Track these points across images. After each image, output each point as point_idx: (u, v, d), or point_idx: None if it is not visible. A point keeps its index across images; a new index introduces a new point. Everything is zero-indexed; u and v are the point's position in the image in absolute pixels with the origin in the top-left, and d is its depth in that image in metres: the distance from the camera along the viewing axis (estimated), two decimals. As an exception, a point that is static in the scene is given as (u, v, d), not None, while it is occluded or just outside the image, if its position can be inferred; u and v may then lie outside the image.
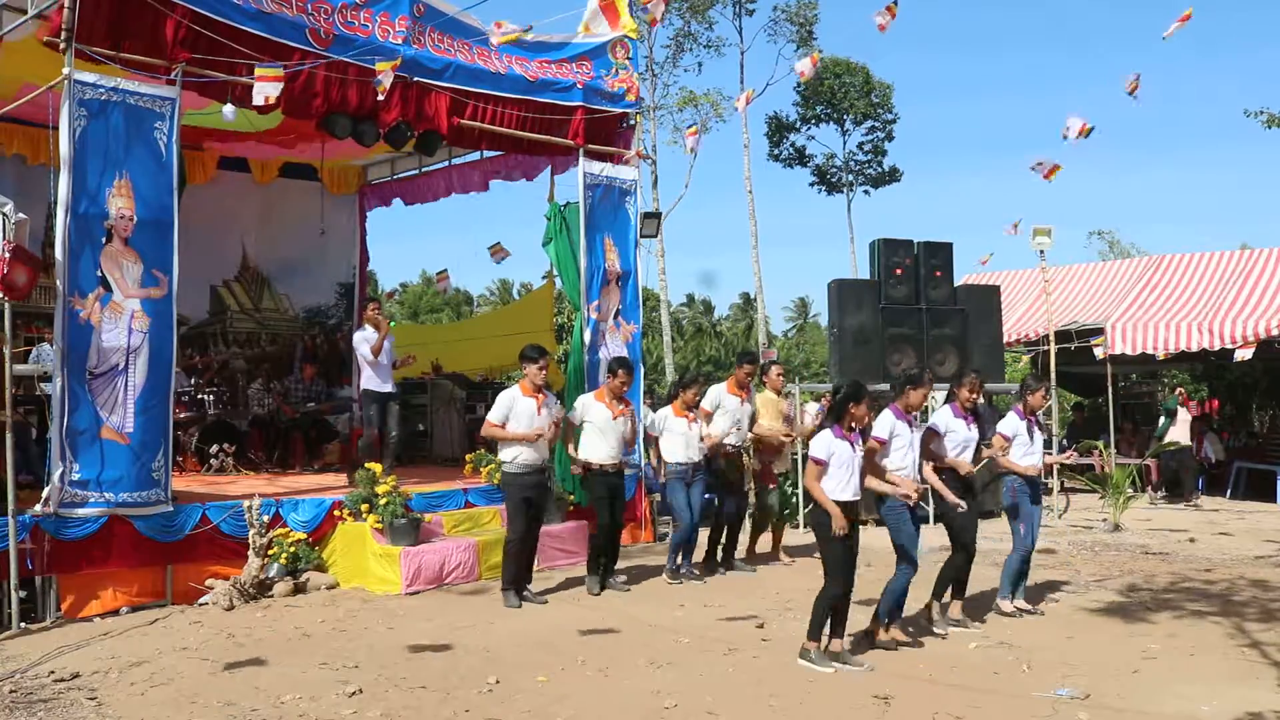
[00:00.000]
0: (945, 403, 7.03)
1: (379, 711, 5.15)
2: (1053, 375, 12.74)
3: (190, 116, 9.06)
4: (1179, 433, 14.11)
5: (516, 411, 7.62)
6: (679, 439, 8.55)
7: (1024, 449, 7.10)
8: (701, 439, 8.62)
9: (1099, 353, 14.49)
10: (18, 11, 7.82)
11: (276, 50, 8.26)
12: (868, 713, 5.12)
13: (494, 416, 7.66)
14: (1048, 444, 9.65)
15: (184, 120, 8.18)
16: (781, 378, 9.54)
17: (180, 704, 5.32)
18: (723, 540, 9.09)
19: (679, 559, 8.68)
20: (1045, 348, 13.85)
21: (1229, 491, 14.81)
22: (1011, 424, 7.16)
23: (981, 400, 7.03)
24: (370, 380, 9.84)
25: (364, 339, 9.84)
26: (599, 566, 8.20)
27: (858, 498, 5.92)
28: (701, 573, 8.79)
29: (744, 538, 9.39)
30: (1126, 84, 8.31)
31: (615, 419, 8.05)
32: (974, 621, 6.87)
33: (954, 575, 6.80)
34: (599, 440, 8.03)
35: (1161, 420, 14.48)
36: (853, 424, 5.88)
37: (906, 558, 6.32)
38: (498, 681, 5.61)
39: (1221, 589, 8.05)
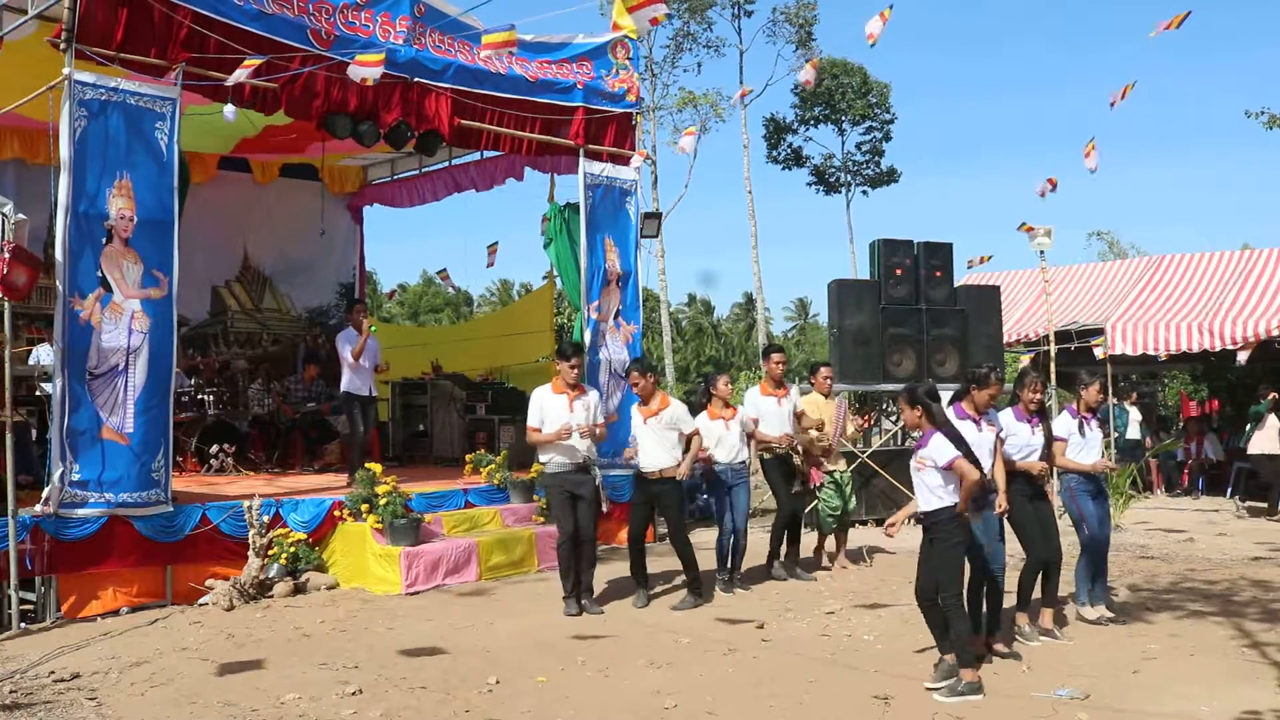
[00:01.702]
0: (1009, 405, 6.86)
1: (379, 711, 5.15)
2: (1053, 376, 12.73)
3: (192, 135, 9.09)
4: (1266, 440, 13.13)
5: (547, 409, 7.43)
6: (712, 441, 8.00)
7: (1079, 447, 6.91)
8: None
9: (1099, 353, 14.48)
10: (18, 12, 7.83)
11: (278, 51, 8.26)
12: (868, 713, 5.12)
13: (531, 421, 7.47)
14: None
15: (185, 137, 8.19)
16: (829, 380, 9.14)
17: (180, 704, 5.32)
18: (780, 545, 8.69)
19: (729, 564, 8.14)
20: (1045, 348, 13.85)
21: (1229, 491, 14.79)
22: (1065, 423, 6.96)
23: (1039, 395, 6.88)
24: (350, 383, 9.86)
25: (346, 341, 9.87)
26: (645, 577, 7.76)
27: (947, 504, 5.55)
28: (756, 580, 8.33)
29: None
30: (1118, 94, 8.41)
31: (645, 422, 7.57)
32: (1060, 631, 6.63)
33: (1032, 581, 6.56)
34: (640, 446, 7.59)
35: (1248, 426, 13.59)
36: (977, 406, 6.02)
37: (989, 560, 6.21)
38: (498, 682, 5.61)
39: (1222, 589, 8.04)
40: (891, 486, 11.55)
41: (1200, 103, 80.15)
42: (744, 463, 8.16)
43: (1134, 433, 15.79)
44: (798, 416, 8.63)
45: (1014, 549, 6.56)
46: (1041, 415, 6.67)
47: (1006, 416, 6.60)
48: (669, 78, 32.81)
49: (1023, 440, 6.54)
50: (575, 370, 7.55)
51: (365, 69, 8.09)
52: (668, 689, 5.49)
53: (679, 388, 29.30)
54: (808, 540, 9.32)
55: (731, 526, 8.03)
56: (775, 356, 8.76)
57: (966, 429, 6.01)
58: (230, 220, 13.37)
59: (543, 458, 7.57)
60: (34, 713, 5.17)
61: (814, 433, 8.81)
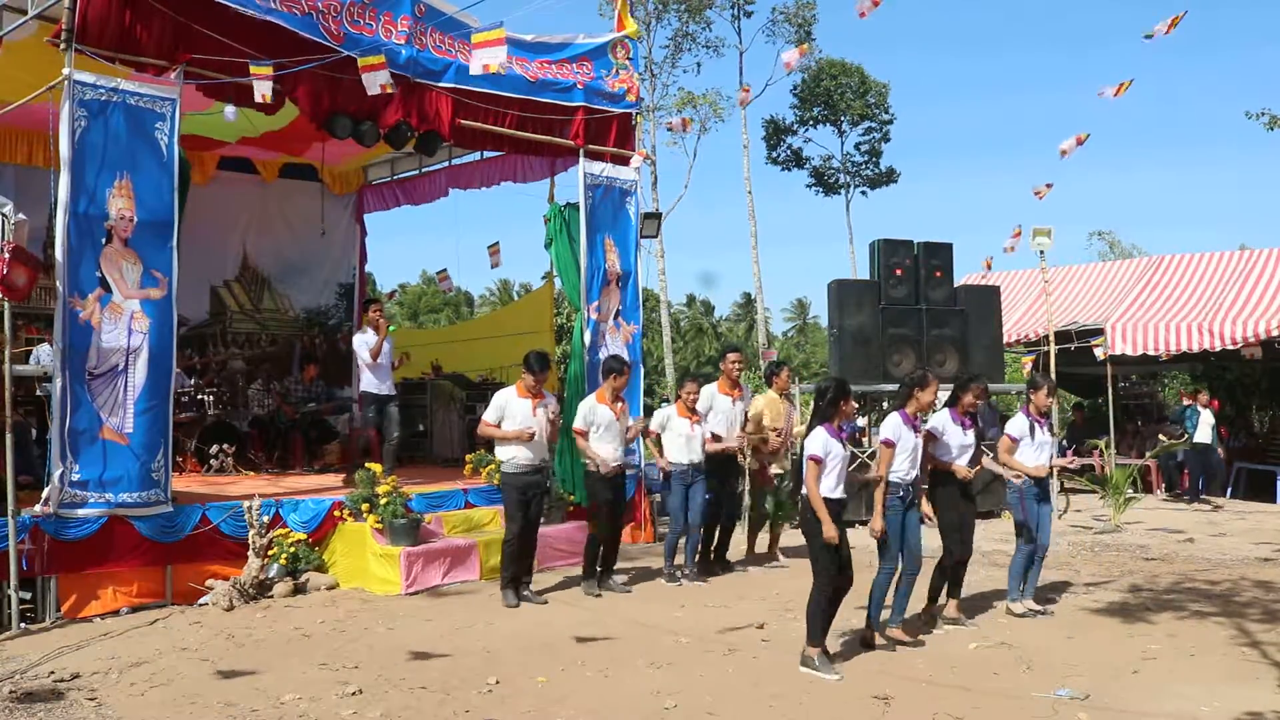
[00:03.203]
0: (945, 405, 7.00)
1: (379, 712, 5.15)
2: (1053, 376, 12.74)
3: (191, 125, 9.07)
4: None
5: (511, 411, 7.63)
6: (680, 439, 8.49)
7: (1030, 449, 7.06)
8: (704, 441, 8.61)
9: (1099, 353, 14.49)
10: (18, 12, 7.83)
11: (284, 48, 8.21)
12: (868, 713, 5.12)
13: (489, 416, 7.72)
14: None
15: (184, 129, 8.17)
16: (789, 380, 9.63)
17: (180, 704, 5.32)
18: (714, 541, 9.07)
19: (677, 559, 8.63)
20: (1045, 348, 13.85)
21: (1229, 491, 14.80)
22: (1019, 425, 7.12)
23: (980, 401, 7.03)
24: (369, 383, 9.87)
25: (363, 341, 9.87)
26: (597, 569, 8.15)
27: (845, 496, 5.97)
28: (700, 574, 8.64)
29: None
30: (1111, 90, 8.51)
31: (617, 419, 8.04)
32: (969, 620, 6.90)
33: (945, 576, 6.87)
34: (603, 442, 8.00)
35: None
36: (841, 422, 5.97)
37: (889, 555, 6.38)
38: (497, 682, 5.61)
39: (1222, 590, 8.04)
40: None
41: (1200, 103, 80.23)
42: (702, 462, 8.58)
43: (1204, 435, 14.38)
44: (750, 418, 9.09)
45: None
46: (974, 419, 6.91)
47: (942, 417, 6.76)
48: (668, 78, 32.86)
49: (957, 441, 6.74)
50: (539, 384, 7.72)
51: (374, 74, 8.13)
52: (668, 689, 5.49)
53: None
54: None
55: (686, 522, 8.45)
56: (730, 356, 9.19)
57: (905, 432, 6.40)
58: (230, 220, 13.35)
59: (503, 455, 7.74)
60: (34, 713, 5.17)
61: (770, 434, 9.18)
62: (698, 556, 8.81)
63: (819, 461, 5.77)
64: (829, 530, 5.70)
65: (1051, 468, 7.21)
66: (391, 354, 10.11)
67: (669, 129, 16.09)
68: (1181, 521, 12.25)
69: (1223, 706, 5.11)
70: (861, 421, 11.18)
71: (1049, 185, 12.04)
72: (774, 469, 9.36)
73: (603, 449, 7.97)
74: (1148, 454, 15.14)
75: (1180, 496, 14.44)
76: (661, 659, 6.10)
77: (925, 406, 6.52)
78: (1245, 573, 8.79)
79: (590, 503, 8.35)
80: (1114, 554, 9.84)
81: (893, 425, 6.44)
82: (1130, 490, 12.04)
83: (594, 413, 8.02)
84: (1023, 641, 6.44)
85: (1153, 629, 6.76)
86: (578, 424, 8.07)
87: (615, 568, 8.33)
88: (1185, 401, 14.39)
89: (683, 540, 8.60)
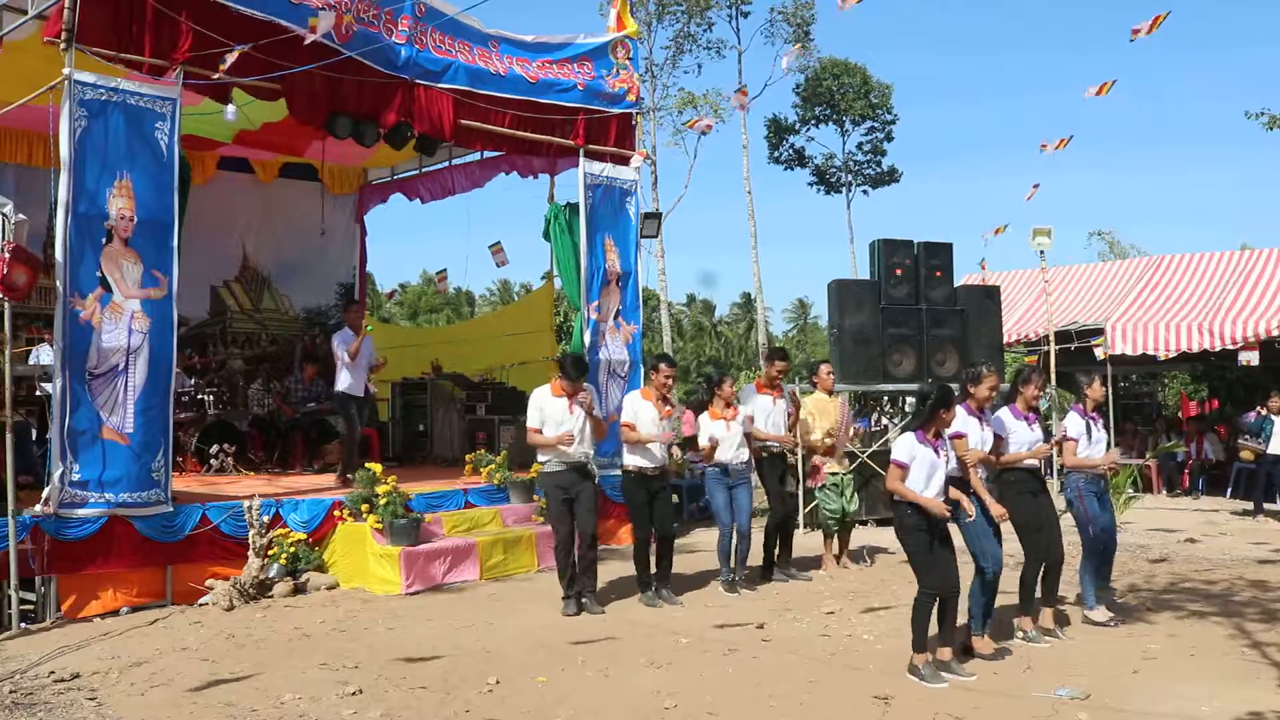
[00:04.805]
0: (1005, 403, 6.78)
1: (379, 712, 5.15)
2: (1053, 376, 12.75)
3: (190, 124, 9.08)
4: None
5: (548, 411, 7.42)
6: (720, 441, 8.05)
7: (1087, 447, 6.89)
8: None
9: (1099, 353, 14.48)
10: (18, 12, 7.83)
11: (286, 48, 8.20)
12: (868, 713, 5.12)
13: (532, 421, 7.45)
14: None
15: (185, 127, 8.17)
16: (831, 376, 9.32)
17: (180, 704, 5.32)
18: (775, 548, 8.66)
19: (732, 564, 8.11)
20: (1045, 348, 13.85)
21: (1229, 491, 14.78)
22: (1075, 423, 6.92)
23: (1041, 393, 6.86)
24: (344, 383, 9.86)
25: (342, 341, 9.86)
26: (651, 578, 7.73)
27: (943, 497, 5.78)
28: (756, 581, 8.25)
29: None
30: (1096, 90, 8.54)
31: (662, 419, 7.67)
32: (1063, 628, 6.64)
33: (1032, 580, 6.51)
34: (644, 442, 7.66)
35: None
36: (939, 430, 5.79)
37: (981, 559, 6.19)
38: (498, 682, 5.61)
39: (1221, 589, 8.04)
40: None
41: (1200, 102, 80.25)
42: (745, 462, 8.19)
43: (1278, 446, 13.00)
44: (791, 418, 8.75)
45: (1013, 549, 6.56)
46: (1037, 414, 6.73)
47: (1004, 414, 6.60)
48: (669, 79, 32.89)
49: (1023, 437, 6.56)
50: (574, 386, 7.45)
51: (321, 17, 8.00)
52: (668, 689, 5.49)
53: (679, 388, 29.29)
54: (804, 542, 9.29)
55: (734, 526, 8.03)
56: (778, 363, 8.84)
57: (972, 424, 6.23)
58: (230, 220, 13.36)
59: (541, 457, 7.61)
60: (34, 713, 5.17)
61: (818, 435, 8.87)
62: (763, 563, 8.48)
63: (902, 467, 5.67)
64: (937, 508, 5.58)
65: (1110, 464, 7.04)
66: (373, 356, 10.08)
67: (692, 127, 16.21)
68: (1182, 521, 12.25)
69: (1223, 706, 5.11)
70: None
71: (1035, 186, 12.12)
72: (830, 467, 8.95)
73: (642, 448, 7.64)
74: (1147, 454, 15.15)
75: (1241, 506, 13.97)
76: (661, 659, 6.10)
77: (984, 402, 6.40)
78: (1244, 572, 8.79)
79: (628, 505, 7.99)
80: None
81: (961, 418, 6.20)
82: (1130, 490, 12.03)
83: (636, 410, 7.70)
84: (1030, 644, 6.43)
85: (1152, 629, 6.76)
86: (625, 417, 7.75)
87: (668, 577, 7.87)
88: (1260, 411, 13.85)
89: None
